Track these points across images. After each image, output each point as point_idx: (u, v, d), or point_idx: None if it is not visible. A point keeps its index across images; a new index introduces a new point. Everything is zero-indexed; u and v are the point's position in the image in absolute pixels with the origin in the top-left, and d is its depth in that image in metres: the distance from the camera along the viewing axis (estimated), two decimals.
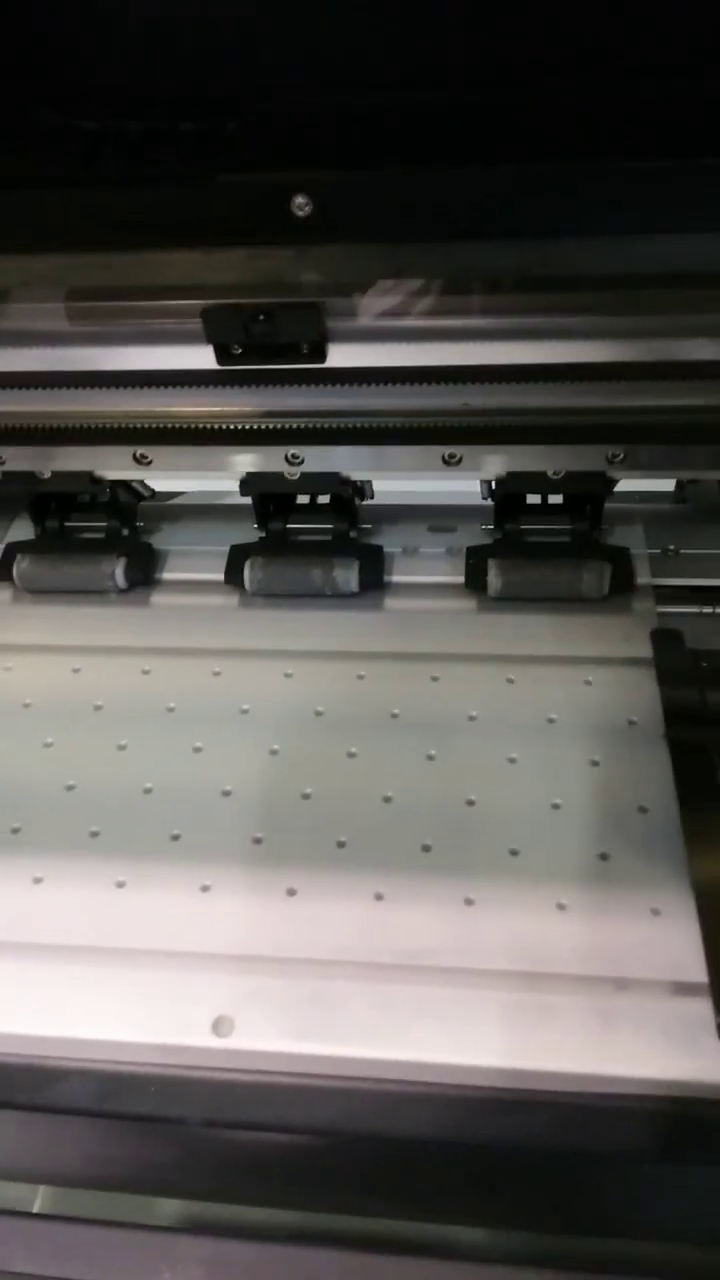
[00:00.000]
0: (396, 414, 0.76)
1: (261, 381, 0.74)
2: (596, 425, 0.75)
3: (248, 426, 0.77)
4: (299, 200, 0.65)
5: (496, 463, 0.81)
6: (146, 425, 0.78)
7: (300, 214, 0.66)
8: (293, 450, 0.79)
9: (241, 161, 0.65)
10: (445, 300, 0.69)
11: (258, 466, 0.81)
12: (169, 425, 0.78)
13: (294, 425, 0.77)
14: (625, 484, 0.89)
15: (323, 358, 0.72)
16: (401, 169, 0.65)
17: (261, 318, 0.69)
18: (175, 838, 0.71)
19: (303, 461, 0.80)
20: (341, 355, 0.72)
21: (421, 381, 0.72)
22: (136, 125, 0.65)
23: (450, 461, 0.79)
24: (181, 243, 0.70)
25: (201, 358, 0.73)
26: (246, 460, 0.81)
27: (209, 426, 0.78)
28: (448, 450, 0.79)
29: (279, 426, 0.77)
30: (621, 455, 0.78)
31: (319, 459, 0.80)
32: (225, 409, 0.77)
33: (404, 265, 0.69)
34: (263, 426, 0.77)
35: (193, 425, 0.78)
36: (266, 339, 0.70)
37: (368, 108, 0.63)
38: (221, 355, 0.72)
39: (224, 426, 0.77)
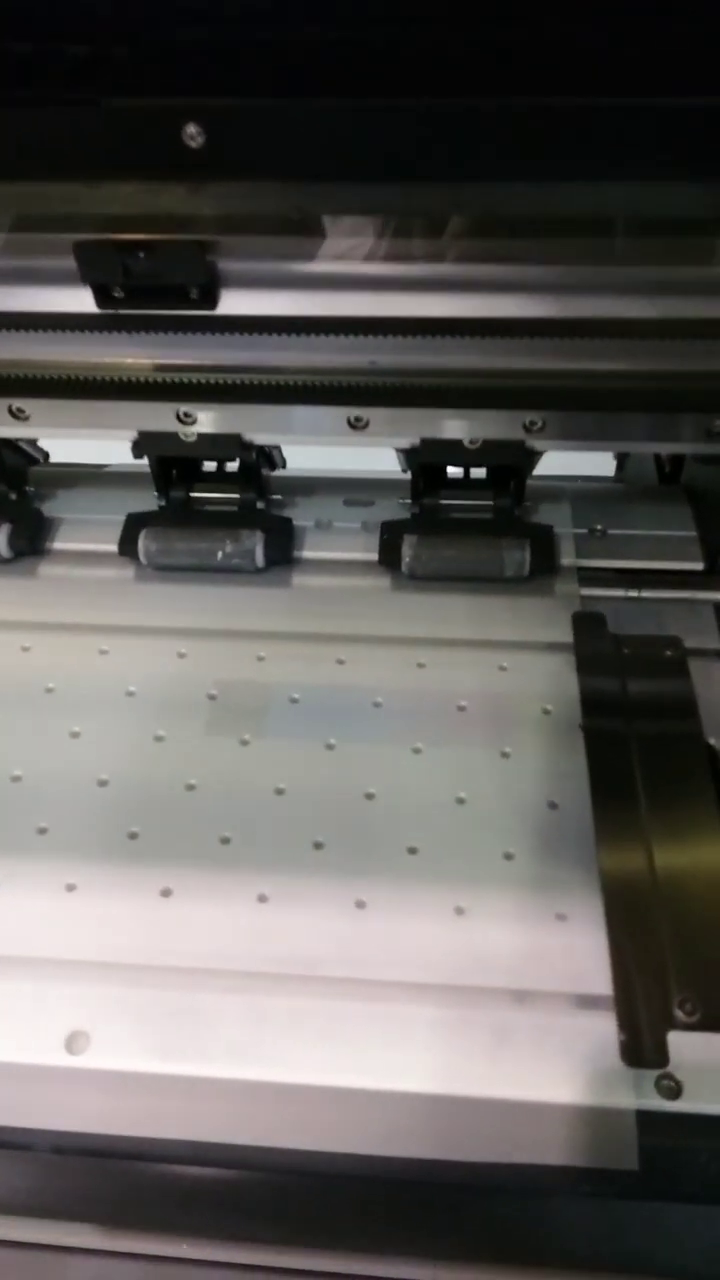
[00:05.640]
0: (296, 370, 0.69)
1: (147, 328, 0.67)
2: (513, 389, 0.69)
3: (133, 379, 0.70)
4: (191, 130, 0.59)
5: (407, 428, 0.75)
6: (21, 375, 0.71)
7: (192, 145, 0.60)
8: (184, 408, 0.72)
9: (130, 86, 0.59)
10: (349, 244, 0.64)
11: (148, 425, 0.74)
12: (46, 376, 0.71)
13: (184, 380, 0.70)
14: (564, 462, 0.84)
15: (213, 303, 0.65)
16: (304, 99, 0.59)
17: (141, 255, 0.62)
18: (42, 831, 0.65)
19: (195, 420, 0.73)
20: (235, 303, 0.66)
21: (323, 333, 0.66)
22: (18, 46, 0.58)
23: (357, 425, 0.73)
24: (63, 173, 0.63)
25: (82, 301, 0.67)
26: (135, 418, 0.74)
27: (90, 378, 0.70)
28: (353, 413, 0.73)
29: (167, 380, 0.70)
30: (540, 423, 0.72)
31: (215, 419, 0.74)
32: (108, 360, 0.69)
33: (304, 204, 0.63)
34: (149, 380, 0.70)
35: (72, 376, 0.71)
36: (148, 279, 0.63)
37: (268, 32, 0.57)
38: (101, 297, 0.65)
39: (106, 379, 0.70)
